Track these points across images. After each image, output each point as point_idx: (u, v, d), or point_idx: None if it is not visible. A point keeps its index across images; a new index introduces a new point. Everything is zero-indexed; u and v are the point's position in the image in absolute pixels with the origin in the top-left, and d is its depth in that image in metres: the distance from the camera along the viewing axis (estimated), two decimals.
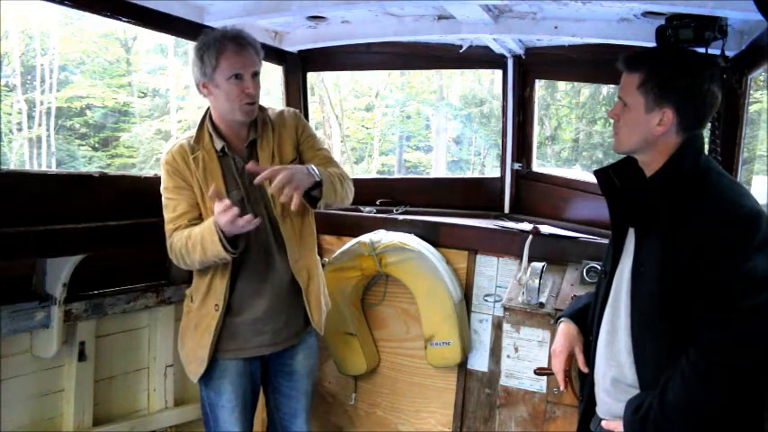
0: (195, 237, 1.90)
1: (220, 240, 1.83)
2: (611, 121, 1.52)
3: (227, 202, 1.81)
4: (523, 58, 2.83)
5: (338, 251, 2.74)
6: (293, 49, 2.94)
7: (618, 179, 1.55)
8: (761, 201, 1.42)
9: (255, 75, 1.96)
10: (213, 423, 2.11)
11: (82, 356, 2.25)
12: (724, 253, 1.31)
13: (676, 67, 1.43)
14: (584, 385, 1.66)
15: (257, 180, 1.86)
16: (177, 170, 1.99)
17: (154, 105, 17.49)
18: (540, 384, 2.33)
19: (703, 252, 1.32)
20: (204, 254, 1.89)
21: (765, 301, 1.28)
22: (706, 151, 1.61)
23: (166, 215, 2.01)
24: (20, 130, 16.32)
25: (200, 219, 1.99)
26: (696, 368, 1.31)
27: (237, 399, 2.08)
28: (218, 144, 2.00)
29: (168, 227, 2.00)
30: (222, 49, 1.91)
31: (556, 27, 2.42)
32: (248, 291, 2.03)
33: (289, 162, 2.04)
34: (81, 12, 2.39)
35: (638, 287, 1.44)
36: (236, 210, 1.79)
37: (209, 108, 2.05)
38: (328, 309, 2.26)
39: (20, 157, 16.18)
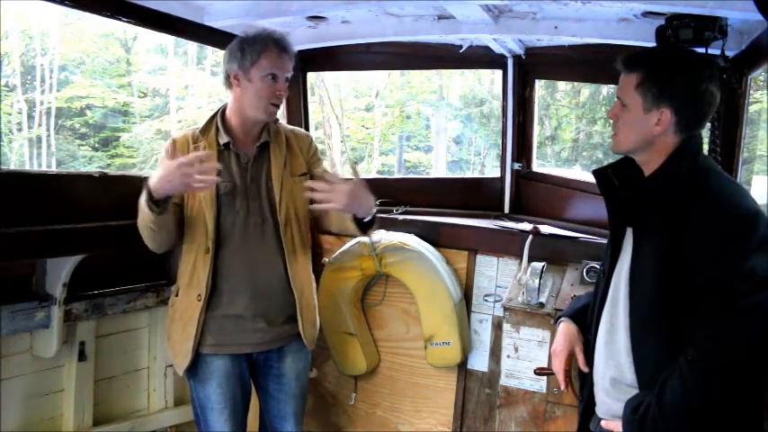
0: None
1: (147, 193, 1.86)
2: (611, 121, 1.53)
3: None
4: (523, 58, 2.83)
5: (338, 251, 2.74)
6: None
7: (617, 179, 1.55)
8: (761, 201, 1.42)
9: (287, 80, 2.03)
10: (203, 424, 2.11)
11: (82, 356, 2.26)
12: (722, 252, 1.31)
13: (674, 67, 1.43)
14: (583, 385, 1.66)
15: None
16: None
17: (154, 105, 17.50)
18: (540, 384, 2.34)
19: (701, 251, 1.32)
20: (142, 217, 1.92)
21: (764, 299, 1.28)
22: (705, 151, 1.61)
23: None
24: (20, 130, 16.33)
25: (175, 207, 2.01)
26: (694, 367, 1.31)
27: (226, 401, 2.07)
28: (223, 138, 2.04)
29: None
30: (265, 47, 1.98)
31: (556, 27, 2.42)
32: (230, 286, 2.03)
33: (299, 175, 2.11)
34: (81, 12, 2.39)
35: (637, 287, 1.44)
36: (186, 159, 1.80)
37: (224, 105, 2.09)
38: (317, 328, 2.24)
39: (20, 157, 16.19)
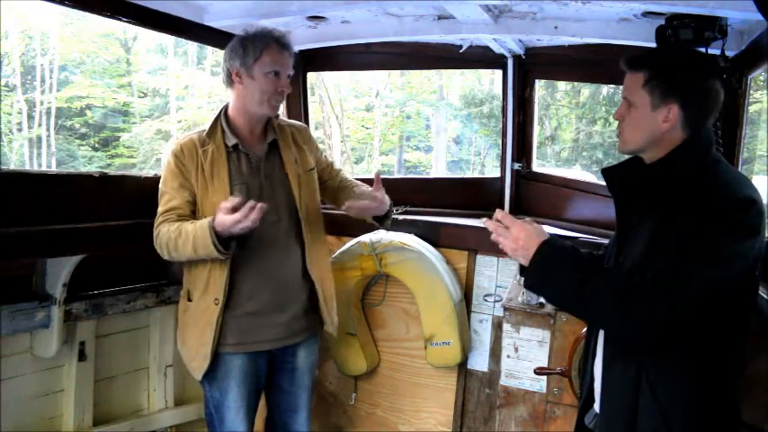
0: (186, 234, 1.94)
1: (213, 243, 1.89)
2: (611, 121, 1.53)
3: (232, 202, 1.86)
4: (523, 58, 2.83)
5: (338, 251, 2.74)
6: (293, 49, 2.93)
7: (625, 177, 1.55)
8: None
9: (289, 77, 2.06)
10: (218, 423, 2.11)
11: (82, 356, 2.25)
12: (705, 225, 1.30)
13: (680, 64, 1.45)
14: (583, 381, 1.67)
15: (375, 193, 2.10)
16: (182, 164, 2.02)
17: (154, 105, 17.50)
18: (540, 384, 2.33)
19: (689, 226, 1.31)
20: (195, 252, 1.93)
21: (715, 276, 1.28)
22: None
23: (159, 206, 2.05)
24: (20, 130, 16.34)
25: (191, 216, 2.03)
26: (632, 282, 1.31)
27: (243, 399, 2.08)
28: (231, 140, 2.05)
29: (158, 218, 2.03)
30: (267, 45, 2.00)
31: (556, 27, 2.42)
32: (249, 285, 2.05)
33: (308, 170, 2.17)
34: (81, 12, 2.39)
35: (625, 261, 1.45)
36: (238, 215, 1.83)
37: (225, 105, 2.10)
38: (337, 316, 2.30)
39: (20, 157, 16.20)
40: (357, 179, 2.49)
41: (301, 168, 2.14)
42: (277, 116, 2.16)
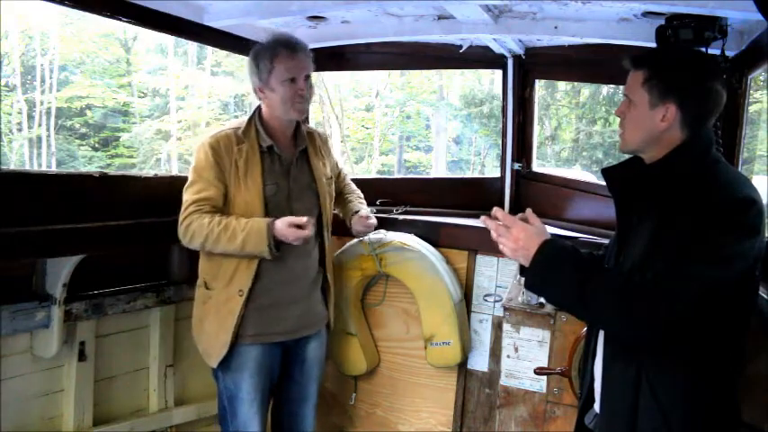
0: (234, 231, 1.99)
1: (269, 245, 1.97)
2: (611, 121, 1.53)
3: (299, 221, 1.98)
4: (523, 58, 2.83)
5: (338, 251, 2.74)
6: None
7: (625, 177, 1.55)
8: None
9: (308, 77, 2.09)
10: (231, 417, 2.14)
11: (82, 356, 2.26)
12: (705, 225, 1.30)
13: (680, 63, 1.45)
14: (583, 381, 1.67)
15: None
16: (219, 157, 2.05)
17: (154, 105, 17.50)
18: (540, 384, 2.33)
19: (689, 226, 1.31)
20: (242, 249, 1.99)
21: (715, 276, 1.27)
22: None
23: (189, 195, 2.07)
24: (20, 130, 16.34)
25: (222, 209, 2.07)
26: (632, 282, 1.31)
27: (257, 391, 2.12)
28: (266, 141, 2.11)
29: (188, 206, 2.05)
30: (276, 55, 2.04)
31: (556, 27, 2.42)
32: (274, 278, 2.11)
33: (329, 177, 2.30)
34: (81, 12, 2.39)
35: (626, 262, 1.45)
36: (306, 232, 1.98)
37: (258, 106, 2.16)
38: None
39: (20, 157, 16.20)
40: (357, 179, 2.51)
41: (324, 175, 2.24)
42: (306, 120, 2.22)
